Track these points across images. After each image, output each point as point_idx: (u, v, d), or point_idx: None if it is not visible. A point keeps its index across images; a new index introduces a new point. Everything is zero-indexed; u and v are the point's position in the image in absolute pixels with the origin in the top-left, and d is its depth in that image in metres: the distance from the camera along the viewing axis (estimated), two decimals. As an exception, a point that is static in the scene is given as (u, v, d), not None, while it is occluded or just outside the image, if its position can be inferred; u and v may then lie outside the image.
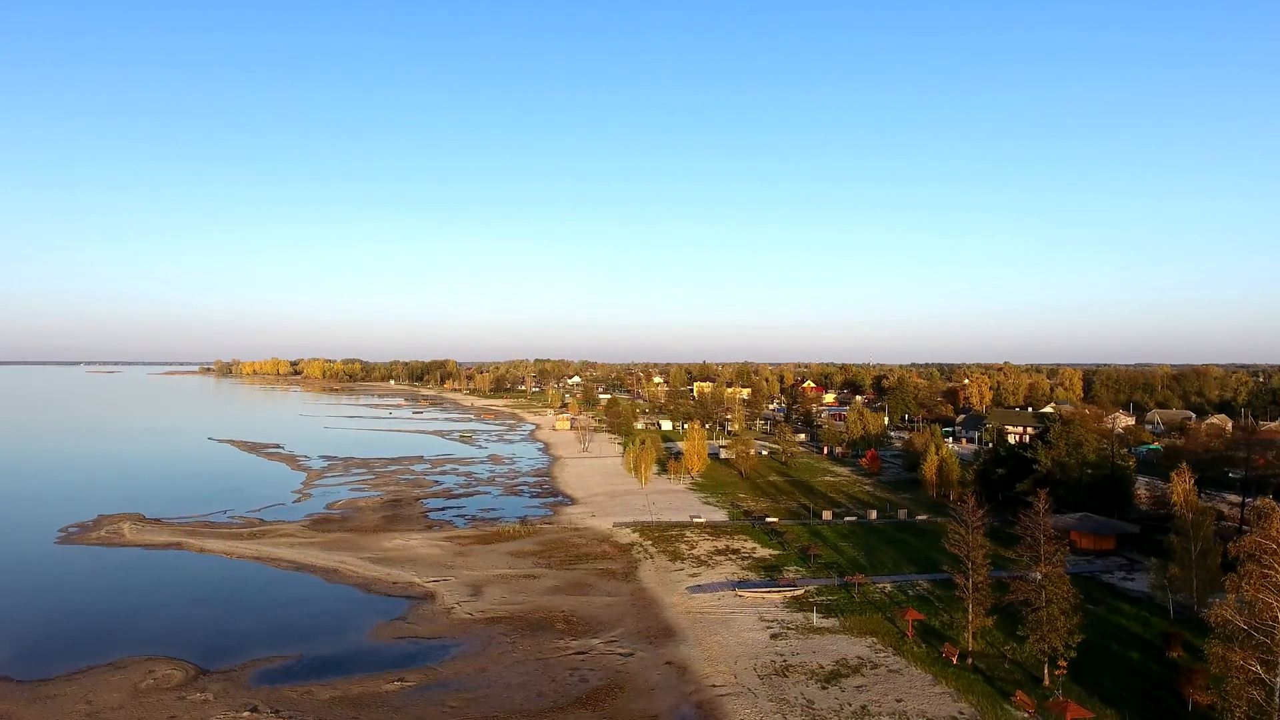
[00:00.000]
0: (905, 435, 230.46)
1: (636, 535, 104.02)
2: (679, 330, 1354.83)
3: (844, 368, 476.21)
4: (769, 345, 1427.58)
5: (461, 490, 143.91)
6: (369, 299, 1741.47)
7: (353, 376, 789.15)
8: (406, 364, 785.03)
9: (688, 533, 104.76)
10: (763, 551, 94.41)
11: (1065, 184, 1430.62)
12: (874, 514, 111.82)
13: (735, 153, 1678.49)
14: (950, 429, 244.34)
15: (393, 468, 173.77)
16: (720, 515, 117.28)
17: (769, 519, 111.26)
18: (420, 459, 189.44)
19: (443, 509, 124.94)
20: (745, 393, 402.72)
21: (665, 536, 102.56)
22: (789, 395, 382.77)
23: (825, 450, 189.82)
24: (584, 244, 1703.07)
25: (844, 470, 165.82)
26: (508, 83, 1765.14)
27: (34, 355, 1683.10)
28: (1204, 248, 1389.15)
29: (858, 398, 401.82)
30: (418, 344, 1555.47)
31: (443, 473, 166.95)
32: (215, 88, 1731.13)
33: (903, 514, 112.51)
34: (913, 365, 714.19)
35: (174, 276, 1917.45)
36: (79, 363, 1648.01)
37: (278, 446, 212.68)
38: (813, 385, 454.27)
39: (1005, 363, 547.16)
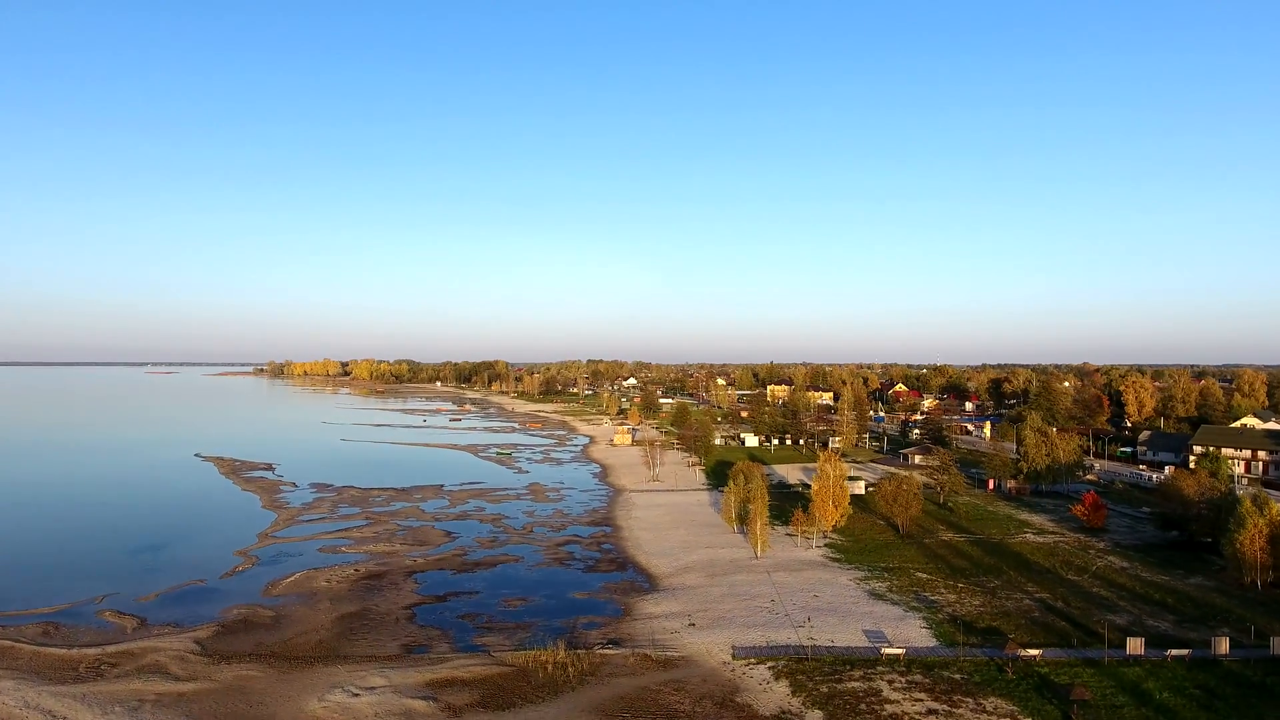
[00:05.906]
0: (1092, 463, 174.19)
1: (785, 688, 54.54)
2: (731, 329, 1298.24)
3: (940, 369, 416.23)
4: (826, 346, 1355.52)
5: (482, 554, 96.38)
6: (424, 299, 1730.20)
7: (399, 378, 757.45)
8: (455, 365, 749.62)
9: (882, 684, 54.77)
10: (1082, 766, 43.88)
11: (1098, 187, 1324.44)
12: (1224, 644, 59.81)
13: (765, 160, 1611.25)
14: (1129, 449, 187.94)
15: (398, 505, 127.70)
16: (915, 627, 66.89)
17: (1022, 652, 60.09)
18: (439, 489, 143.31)
19: (443, 598, 77.46)
20: (827, 397, 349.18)
21: (842, 695, 52.89)
22: (904, 406, 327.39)
23: (991, 485, 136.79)
24: (636, 242, 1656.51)
25: (1041, 520, 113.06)
26: (557, 84, 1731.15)
27: (104, 356, 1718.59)
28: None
29: (968, 404, 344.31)
30: (470, 344, 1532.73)
31: (462, 515, 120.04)
32: (275, 94, 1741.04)
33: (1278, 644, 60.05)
34: (984, 366, 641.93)
35: (235, 281, 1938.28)
36: (144, 364, 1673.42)
37: (267, 468, 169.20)
38: (905, 389, 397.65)
39: (1085, 362, 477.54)
